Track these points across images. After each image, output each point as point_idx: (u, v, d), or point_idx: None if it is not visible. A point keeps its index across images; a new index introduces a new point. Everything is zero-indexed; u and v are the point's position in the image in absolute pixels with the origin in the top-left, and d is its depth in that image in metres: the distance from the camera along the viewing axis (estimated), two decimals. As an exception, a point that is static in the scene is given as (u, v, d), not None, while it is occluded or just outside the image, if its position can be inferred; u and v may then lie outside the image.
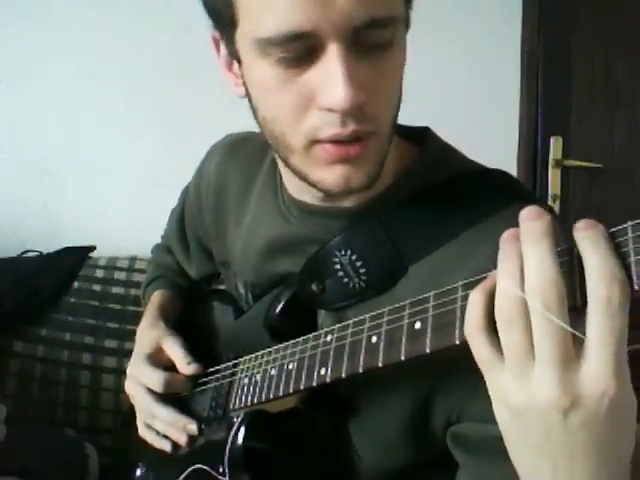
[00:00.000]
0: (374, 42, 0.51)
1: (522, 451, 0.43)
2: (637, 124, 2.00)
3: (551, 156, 1.97)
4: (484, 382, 0.51)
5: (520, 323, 0.39)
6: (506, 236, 0.41)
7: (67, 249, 1.65)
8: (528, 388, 0.39)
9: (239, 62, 0.57)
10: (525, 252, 0.40)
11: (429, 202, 0.62)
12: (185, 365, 0.78)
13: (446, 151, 0.68)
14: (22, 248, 1.68)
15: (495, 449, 0.55)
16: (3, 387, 1.49)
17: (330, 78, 0.50)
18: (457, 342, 0.45)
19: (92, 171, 1.80)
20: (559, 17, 1.97)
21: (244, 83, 0.59)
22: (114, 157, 1.79)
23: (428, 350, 0.47)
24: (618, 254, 0.37)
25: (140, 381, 0.80)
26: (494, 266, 0.43)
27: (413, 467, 0.65)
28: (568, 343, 0.38)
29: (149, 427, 0.80)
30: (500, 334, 0.40)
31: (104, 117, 1.78)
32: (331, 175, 0.56)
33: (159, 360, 0.81)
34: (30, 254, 1.67)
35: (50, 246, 1.66)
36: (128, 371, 0.83)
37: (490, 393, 0.42)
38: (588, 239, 0.38)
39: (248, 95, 0.59)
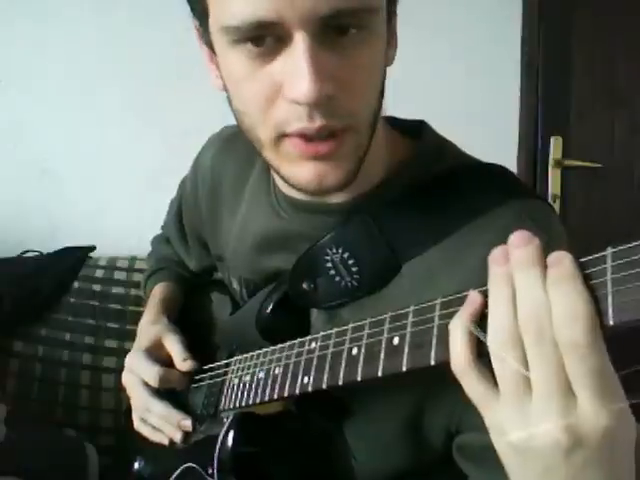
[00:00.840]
0: (344, 33, 0.50)
1: None
2: (637, 124, 2.00)
3: (551, 156, 1.97)
4: None
5: (515, 354, 0.37)
6: (495, 257, 0.40)
7: (67, 249, 1.65)
8: (527, 425, 0.38)
9: (214, 52, 0.56)
10: (515, 280, 0.38)
11: (423, 198, 0.61)
12: (181, 361, 0.79)
13: (441, 145, 0.67)
14: (22, 248, 1.67)
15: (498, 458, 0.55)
16: (3, 387, 1.49)
17: (295, 69, 0.49)
18: (432, 363, 0.44)
19: (92, 171, 1.79)
20: (559, 17, 1.97)
21: (221, 75, 0.57)
22: (114, 157, 1.79)
23: (404, 368, 0.46)
24: (588, 286, 0.35)
25: (137, 374, 0.80)
26: (484, 266, 0.42)
27: (411, 471, 0.65)
28: (563, 372, 0.36)
29: (144, 421, 0.80)
30: (494, 366, 0.39)
31: (104, 117, 1.78)
32: (303, 172, 0.54)
33: (158, 355, 0.81)
34: (30, 254, 1.67)
35: (50, 246, 1.66)
36: (126, 362, 0.82)
37: (489, 428, 0.41)
38: (550, 278, 0.37)
39: (225, 87, 0.58)
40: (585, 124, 1.99)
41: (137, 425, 0.81)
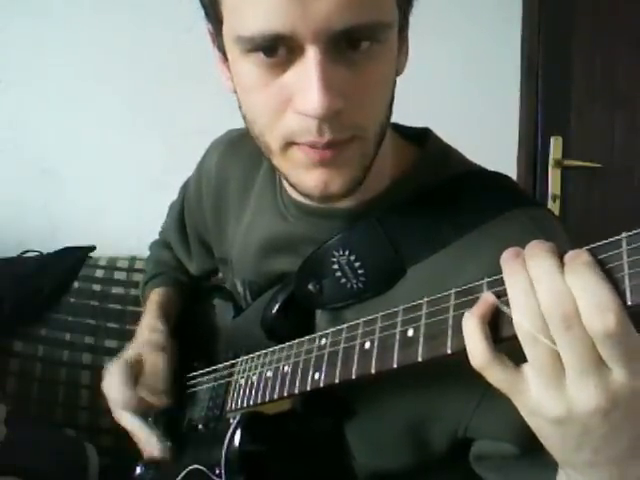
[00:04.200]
0: (356, 48, 0.50)
1: (561, 448, 0.43)
2: (637, 124, 2.00)
3: (551, 156, 1.97)
4: (487, 396, 0.51)
5: (543, 339, 0.39)
6: (506, 256, 0.41)
7: (67, 249, 1.65)
8: (564, 399, 0.39)
9: (226, 58, 0.57)
10: (532, 271, 0.39)
11: (429, 204, 0.62)
12: (157, 395, 0.77)
13: (446, 152, 0.68)
14: (22, 248, 1.67)
15: (517, 466, 0.56)
16: (3, 387, 1.49)
17: (306, 82, 0.49)
18: (449, 352, 0.44)
19: (92, 171, 1.80)
20: (559, 17, 1.97)
21: (232, 79, 0.58)
22: (114, 157, 1.79)
23: (420, 359, 0.46)
24: (605, 271, 0.37)
25: (114, 391, 0.78)
26: (490, 273, 0.43)
27: (410, 471, 0.65)
28: (594, 350, 0.37)
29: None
30: (526, 352, 0.40)
31: (104, 117, 1.78)
32: (310, 179, 0.55)
33: (138, 371, 0.79)
34: (30, 254, 1.67)
35: (50, 246, 1.66)
36: (109, 369, 0.79)
37: (520, 409, 0.42)
38: (573, 273, 0.38)
39: (236, 92, 0.59)
40: (585, 124, 1.99)
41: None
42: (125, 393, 0.77)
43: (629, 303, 0.36)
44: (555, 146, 1.97)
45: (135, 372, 0.79)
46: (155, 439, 0.76)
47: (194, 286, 0.99)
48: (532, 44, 1.94)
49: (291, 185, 0.59)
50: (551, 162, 1.97)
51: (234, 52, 0.53)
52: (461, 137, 0.70)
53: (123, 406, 0.77)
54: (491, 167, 0.67)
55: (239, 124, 0.77)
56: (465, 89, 1.87)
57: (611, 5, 1.96)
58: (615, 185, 2.01)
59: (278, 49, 0.50)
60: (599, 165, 1.99)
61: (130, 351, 0.82)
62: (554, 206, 1.97)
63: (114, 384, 0.78)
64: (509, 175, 0.67)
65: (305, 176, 0.56)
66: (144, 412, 0.78)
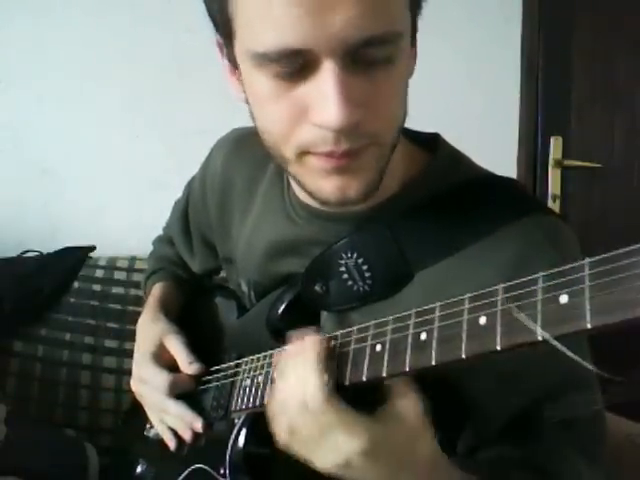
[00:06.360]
0: (372, 59, 0.50)
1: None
2: (637, 124, 2.00)
3: (551, 156, 1.97)
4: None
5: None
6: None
7: (67, 249, 1.64)
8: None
9: (236, 68, 0.57)
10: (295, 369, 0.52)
11: (438, 210, 0.62)
12: (187, 365, 0.79)
13: (456, 158, 0.68)
14: (22, 248, 1.67)
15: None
16: (3, 387, 1.48)
17: (323, 96, 0.49)
18: (464, 356, 0.44)
19: (92, 171, 1.79)
20: (559, 17, 1.97)
21: (244, 90, 0.58)
22: (114, 157, 1.79)
23: (433, 362, 0.46)
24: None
25: (146, 382, 0.80)
26: (499, 282, 0.43)
27: None
28: None
29: (162, 422, 0.80)
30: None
31: (104, 117, 1.78)
32: (327, 185, 0.55)
33: (163, 358, 0.81)
34: (30, 254, 1.66)
35: (50, 246, 1.66)
36: (134, 371, 0.83)
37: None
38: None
39: (248, 102, 0.59)
40: (585, 124, 1.99)
41: (157, 427, 0.81)
42: (160, 378, 0.78)
43: (589, 326, 0.36)
44: (555, 146, 1.97)
45: (160, 355, 0.81)
46: (192, 416, 0.76)
47: (195, 283, 0.99)
48: (532, 44, 1.94)
49: (308, 193, 0.59)
50: (551, 162, 1.97)
51: (248, 65, 0.53)
52: (461, 137, 0.70)
53: (168, 391, 0.77)
54: (491, 167, 0.67)
55: (238, 124, 0.78)
56: (465, 89, 1.87)
57: (611, 5, 1.96)
58: (615, 185, 2.01)
59: (294, 63, 0.49)
60: (599, 165, 1.99)
61: (144, 344, 0.83)
62: (554, 206, 1.97)
63: (146, 375, 0.80)
64: (512, 177, 0.67)
65: (322, 182, 0.56)
66: (185, 391, 0.79)
